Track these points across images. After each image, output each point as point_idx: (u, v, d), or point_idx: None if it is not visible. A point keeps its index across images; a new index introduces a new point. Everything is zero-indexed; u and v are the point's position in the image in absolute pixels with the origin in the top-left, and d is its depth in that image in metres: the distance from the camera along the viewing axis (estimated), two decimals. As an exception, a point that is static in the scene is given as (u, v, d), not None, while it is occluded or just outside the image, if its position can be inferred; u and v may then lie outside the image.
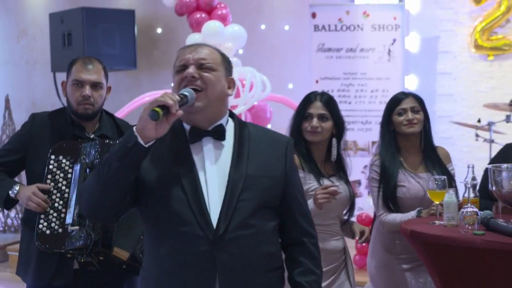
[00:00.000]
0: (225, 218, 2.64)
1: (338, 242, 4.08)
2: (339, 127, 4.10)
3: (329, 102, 4.11)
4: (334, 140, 4.10)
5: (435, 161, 4.38)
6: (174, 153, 2.72)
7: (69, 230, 3.60)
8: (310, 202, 3.73)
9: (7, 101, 9.77)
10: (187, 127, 2.77)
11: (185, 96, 2.62)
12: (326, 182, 4.00)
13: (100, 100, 3.84)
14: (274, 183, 2.76)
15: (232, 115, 2.88)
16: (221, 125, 2.77)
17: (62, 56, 8.71)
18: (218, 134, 2.75)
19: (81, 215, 3.56)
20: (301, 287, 2.82)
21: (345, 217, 4.20)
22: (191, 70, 2.71)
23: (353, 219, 4.33)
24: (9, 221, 9.62)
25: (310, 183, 3.98)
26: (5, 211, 9.09)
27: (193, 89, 2.68)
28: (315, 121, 4.03)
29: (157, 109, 2.50)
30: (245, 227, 2.66)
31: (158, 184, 2.69)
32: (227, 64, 2.83)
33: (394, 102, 4.39)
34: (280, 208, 2.82)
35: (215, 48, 2.83)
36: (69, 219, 3.61)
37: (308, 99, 4.13)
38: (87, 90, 3.78)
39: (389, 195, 4.25)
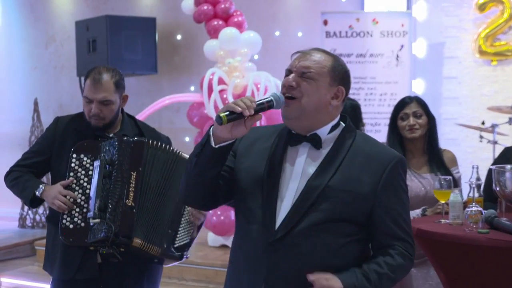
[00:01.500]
0: (288, 223, 2.52)
1: None
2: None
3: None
4: None
5: (439, 163, 4.31)
6: (271, 153, 2.65)
7: (90, 223, 3.58)
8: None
9: (35, 104, 9.80)
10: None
11: (270, 101, 2.54)
12: None
13: (110, 114, 3.77)
14: (355, 199, 2.54)
15: (345, 120, 2.72)
16: (316, 134, 2.62)
17: (87, 61, 8.76)
18: (315, 142, 2.62)
19: (101, 209, 3.54)
20: (356, 271, 2.55)
21: None
22: (291, 78, 2.59)
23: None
24: (37, 217, 9.66)
25: None
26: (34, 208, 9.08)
27: (289, 96, 2.57)
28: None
29: (222, 114, 2.45)
30: (307, 236, 2.51)
31: (246, 180, 2.64)
32: (336, 74, 2.63)
33: (398, 107, 4.35)
34: (366, 224, 2.61)
35: (327, 55, 2.65)
36: (90, 213, 3.58)
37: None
38: (95, 108, 3.72)
39: None
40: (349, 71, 2.71)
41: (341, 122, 2.70)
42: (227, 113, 2.45)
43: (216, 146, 2.51)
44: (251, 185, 2.62)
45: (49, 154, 3.85)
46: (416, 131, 4.28)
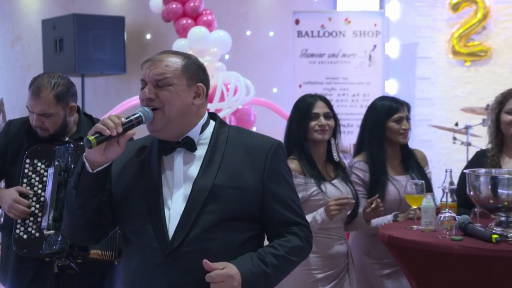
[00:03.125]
0: (181, 231, 2.44)
1: (341, 246, 3.95)
2: (336, 126, 4.03)
3: (328, 101, 4.05)
4: (332, 140, 4.02)
5: (413, 163, 4.25)
6: (145, 166, 2.57)
7: (45, 234, 3.43)
8: (321, 212, 3.72)
9: (1, 104, 9.58)
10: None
11: (138, 117, 2.46)
12: (328, 185, 3.88)
13: (54, 126, 3.60)
14: (244, 194, 2.50)
15: (214, 117, 2.68)
16: (188, 137, 2.56)
17: (55, 61, 8.64)
18: (189, 146, 2.55)
19: (56, 219, 3.40)
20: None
21: (350, 217, 4.04)
22: (147, 91, 2.50)
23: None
24: None
25: (311, 188, 3.85)
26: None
27: (154, 108, 2.50)
28: (322, 120, 3.93)
29: (91, 137, 2.37)
30: (203, 241, 2.43)
31: (125, 197, 2.55)
32: (191, 72, 2.57)
33: (391, 110, 4.19)
34: (260, 218, 2.57)
35: (177, 56, 2.59)
36: (44, 223, 3.45)
37: (309, 100, 4.01)
38: (36, 120, 3.57)
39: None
40: (203, 65, 2.66)
41: (211, 119, 2.66)
42: (96, 135, 2.37)
43: (94, 171, 2.43)
44: (133, 203, 2.54)
45: (3, 159, 3.70)
46: (407, 136, 4.21)
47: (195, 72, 2.58)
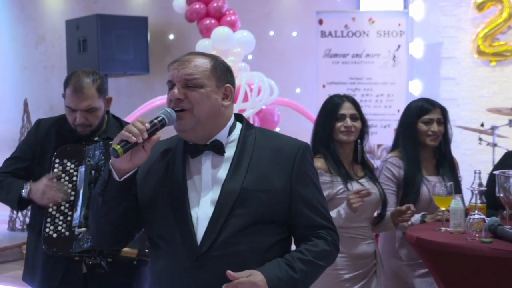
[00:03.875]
0: (210, 236, 2.41)
1: (368, 246, 3.92)
2: (364, 128, 4.00)
3: (356, 103, 4.02)
4: (359, 141, 4.00)
5: (447, 168, 4.18)
6: (169, 169, 2.53)
7: (76, 232, 3.40)
8: (345, 206, 3.69)
9: (25, 105, 9.66)
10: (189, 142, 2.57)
11: (161, 119, 2.42)
12: (355, 184, 3.85)
13: (97, 121, 3.59)
14: (272, 197, 2.46)
15: (240, 119, 2.63)
16: (216, 140, 2.52)
17: (78, 61, 8.68)
18: (217, 149, 2.51)
19: (88, 217, 3.31)
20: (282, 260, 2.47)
21: (378, 218, 4.02)
22: (176, 91, 2.46)
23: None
24: (27, 220, 9.46)
25: (337, 186, 3.83)
26: (21, 211, 8.91)
27: (179, 110, 2.46)
28: (348, 121, 3.91)
29: (117, 147, 2.33)
30: (232, 245, 2.40)
31: (151, 202, 2.51)
32: (220, 73, 2.53)
33: (422, 111, 4.18)
34: (288, 222, 2.54)
35: (206, 57, 2.55)
36: (76, 221, 3.40)
37: (336, 101, 3.98)
38: (80, 118, 3.54)
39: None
40: (230, 66, 2.62)
41: (237, 121, 2.62)
42: (122, 143, 2.34)
43: (121, 179, 2.41)
44: (159, 207, 2.50)
45: (32, 159, 3.67)
46: (437, 139, 4.16)
47: (224, 73, 2.55)
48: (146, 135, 2.36)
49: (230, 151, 2.52)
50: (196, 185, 2.49)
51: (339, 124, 3.90)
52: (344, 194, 3.79)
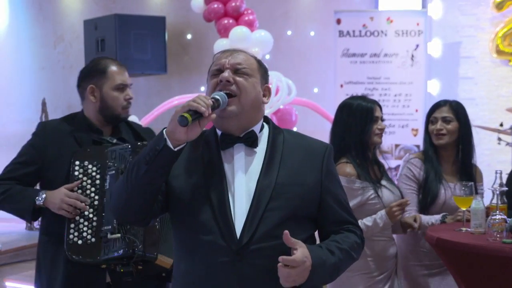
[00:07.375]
0: (249, 228, 2.43)
1: (393, 248, 3.99)
2: None
3: (380, 105, 4.12)
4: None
5: (468, 178, 4.07)
6: (204, 160, 2.54)
7: (109, 238, 3.28)
8: (382, 215, 3.75)
9: (43, 104, 9.70)
10: (219, 132, 2.58)
11: (217, 100, 2.43)
12: (384, 191, 3.89)
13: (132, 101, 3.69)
14: (306, 191, 2.52)
15: (267, 121, 2.68)
16: (253, 131, 2.56)
17: (96, 61, 8.61)
18: (250, 141, 2.55)
19: (120, 223, 3.27)
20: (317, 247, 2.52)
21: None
22: (226, 74, 2.51)
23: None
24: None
25: (368, 192, 3.84)
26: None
27: (226, 93, 2.49)
28: (382, 123, 4.03)
29: (187, 114, 2.32)
30: (271, 238, 2.43)
31: (185, 192, 2.51)
32: (264, 72, 2.62)
33: (431, 109, 4.24)
34: (317, 217, 2.60)
35: (252, 55, 2.63)
36: (108, 226, 3.29)
37: (369, 104, 4.01)
38: (131, 92, 3.61)
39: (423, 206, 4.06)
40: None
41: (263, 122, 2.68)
42: (191, 112, 2.35)
43: (176, 149, 2.40)
44: (194, 197, 2.51)
45: (39, 163, 3.51)
46: (443, 137, 4.11)
47: (266, 73, 2.65)
48: (210, 110, 2.38)
49: (261, 146, 2.57)
50: (229, 177, 2.52)
51: (374, 126, 3.94)
52: (375, 200, 3.81)
